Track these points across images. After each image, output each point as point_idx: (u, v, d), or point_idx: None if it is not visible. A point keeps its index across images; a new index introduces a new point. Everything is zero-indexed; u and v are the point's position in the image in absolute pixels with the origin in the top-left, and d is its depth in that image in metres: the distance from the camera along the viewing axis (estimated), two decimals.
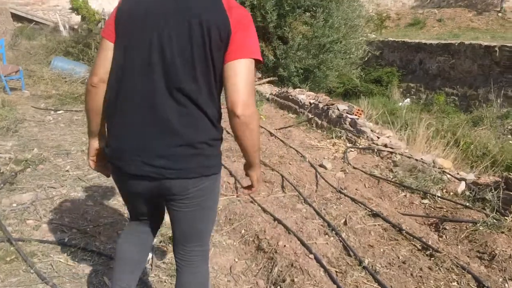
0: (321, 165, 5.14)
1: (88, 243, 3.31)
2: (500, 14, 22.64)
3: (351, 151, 5.53)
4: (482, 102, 12.97)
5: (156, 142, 1.74)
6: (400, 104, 14.89)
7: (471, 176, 4.31)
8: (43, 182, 4.38)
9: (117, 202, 4.06)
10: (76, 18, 19.36)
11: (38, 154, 5.15)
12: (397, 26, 25.55)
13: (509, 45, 12.94)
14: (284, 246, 3.25)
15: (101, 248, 3.25)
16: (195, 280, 2.06)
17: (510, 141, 9.98)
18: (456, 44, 15.01)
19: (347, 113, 6.42)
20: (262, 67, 11.01)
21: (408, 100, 16.02)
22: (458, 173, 4.48)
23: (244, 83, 1.64)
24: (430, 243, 3.19)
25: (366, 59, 12.50)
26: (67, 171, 4.75)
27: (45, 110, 7.45)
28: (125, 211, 3.89)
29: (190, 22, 1.66)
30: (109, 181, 4.50)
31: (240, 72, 1.65)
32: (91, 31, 13.07)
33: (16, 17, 17.32)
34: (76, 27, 17.14)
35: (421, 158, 4.85)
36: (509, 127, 10.71)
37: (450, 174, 4.41)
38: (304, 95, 8.11)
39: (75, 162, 5.03)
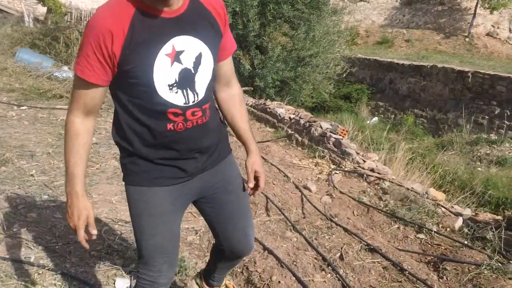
0: (305, 187, 4.88)
1: (58, 264, 2.93)
2: (467, 39, 23.23)
3: (336, 173, 5.29)
4: (452, 126, 13.12)
5: None
6: (368, 122, 14.92)
7: (467, 212, 4.13)
8: (6, 187, 3.96)
9: None
10: (42, 9, 18.70)
11: (0, 154, 4.71)
12: (365, 43, 25.88)
13: (482, 71, 13.14)
14: (279, 282, 2.96)
15: (72, 271, 2.87)
16: None
17: (479, 168, 10.06)
18: (429, 66, 15.19)
19: (330, 132, 6.19)
20: (237, 76, 10.77)
21: (376, 118, 16.10)
22: (452, 207, 4.30)
23: None
24: (436, 287, 2.97)
25: (344, 75, 12.44)
26: (32, 175, 4.35)
27: (7, 105, 6.95)
28: (97, 226, 3.52)
29: None
30: None
31: None
32: (57, 24, 12.53)
33: None
34: (41, 18, 16.50)
35: (412, 187, 4.66)
36: (478, 154, 10.80)
37: (444, 207, 4.23)
38: (283, 109, 7.87)
39: (40, 166, 4.62)
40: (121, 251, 3.19)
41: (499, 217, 3.89)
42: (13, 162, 4.59)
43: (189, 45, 1.60)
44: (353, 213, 4.39)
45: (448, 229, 3.96)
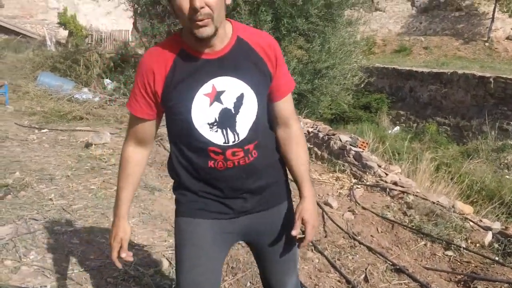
0: (326, 203, 4.76)
1: None
2: (487, 44, 22.85)
3: (357, 188, 5.15)
4: (476, 133, 12.82)
5: None
6: (390, 132, 14.70)
7: (497, 225, 3.94)
8: (24, 213, 3.91)
9: (105, 241, 3.59)
10: (63, 33, 19.10)
11: (20, 178, 4.70)
12: (383, 52, 25.64)
13: (504, 76, 12.84)
14: None
15: None
16: None
17: (507, 176, 9.76)
18: (449, 73, 14.93)
19: (350, 144, 6.06)
20: None
21: (397, 128, 15.87)
22: (481, 220, 4.12)
23: None
24: None
25: (362, 85, 12.26)
26: (51, 199, 4.29)
27: (29, 128, 6.99)
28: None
29: None
30: (96, 215, 4.05)
31: None
32: (78, 47, 12.72)
33: (3, 30, 17.04)
34: (63, 41, 16.82)
35: (438, 201, 4.49)
36: (505, 161, 10.50)
37: (472, 221, 4.05)
38: (301, 123, 7.76)
39: (59, 190, 4.58)
40: (137, 277, 3.11)
41: None
42: (33, 187, 4.57)
43: (230, 86, 1.61)
44: (377, 230, 4.24)
45: (477, 244, 3.78)
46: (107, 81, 9.95)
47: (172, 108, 1.62)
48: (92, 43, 17.36)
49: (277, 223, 1.82)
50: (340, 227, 4.13)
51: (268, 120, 1.76)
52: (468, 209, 4.35)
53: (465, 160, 10.36)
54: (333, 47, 10.25)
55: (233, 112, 1.62)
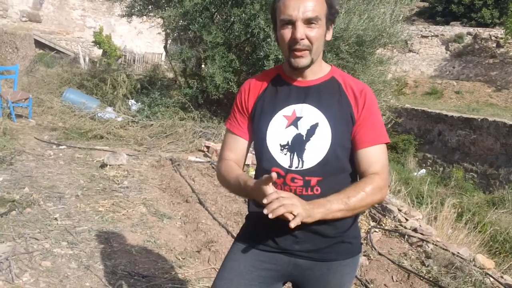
0: None
1: None
2: None
3: (375, 231, 4.92)
4: (503, 183, 12.40)
5: None
6: (415, 174, 14.38)
7: None
8: (26, 231, 3.82)
9: (104, 268, 3.45)
10: (97, 52, 19.47)
11: (28, 194, 4.63)
12: (414, 93, 25.37)
13: None
14: None
15: None
16: None
17: None
18: (479, 119, 14.62)
19: None
20: None
21: (423, 170, 15.54)
22: (502, 277, 3.86)
23: None
24: None
25: (389, 125, 12.03)
26: (55, 219, 4.18)
27: (47, 143, 6.97)
28: (111, 280, 3.28)
29: None
30: (99, 239, 3.92)
31: None
32: (110, 66, 12.87)
33: (39, 44, 17.50)
34: (96, 60, 17.11)
35: (458, 252, 4.23)
36: None
37: (493, 277, 3.79)
38: None
39: (66, 209, 4.47)
40: None
41: None
42: (39, 204, 4.48)
43: (308, 113, 1.67)
44: (392, 278, 4.00)
45: None
46: (131, 102, 9.95)
47: (254, 124, 1.73)
48: (124, 64, 17.66)
49: (327, 280, 1.72)
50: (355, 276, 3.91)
51: (352, 173, 1.71)
52: (489, 263, 4.08)
53: (490, 209, 10.00)
54: None
55: (304, 138, 1.66)
